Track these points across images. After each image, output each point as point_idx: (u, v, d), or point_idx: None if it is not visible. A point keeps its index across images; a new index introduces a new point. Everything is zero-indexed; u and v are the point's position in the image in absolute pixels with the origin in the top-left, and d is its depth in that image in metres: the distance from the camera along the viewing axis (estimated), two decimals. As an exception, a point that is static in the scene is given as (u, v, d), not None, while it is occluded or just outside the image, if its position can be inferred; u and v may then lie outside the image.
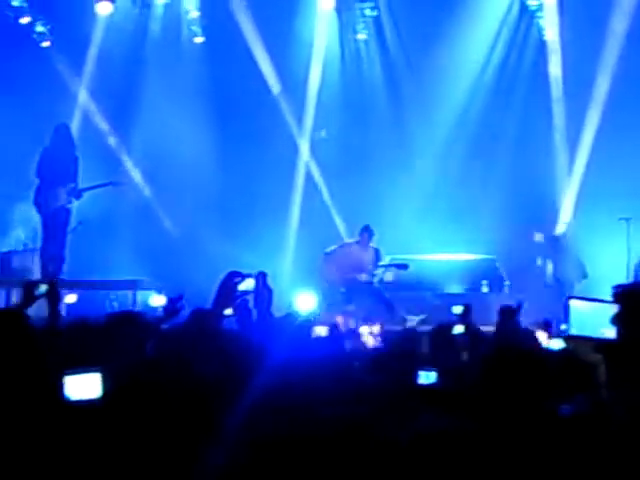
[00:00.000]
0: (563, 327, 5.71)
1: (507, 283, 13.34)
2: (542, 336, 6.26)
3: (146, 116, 15.05)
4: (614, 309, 4.17)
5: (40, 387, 3.15)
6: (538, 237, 13.97)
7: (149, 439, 2.83)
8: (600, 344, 4.04)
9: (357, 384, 4.28)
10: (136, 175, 15.14)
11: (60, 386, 3.01)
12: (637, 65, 13.74)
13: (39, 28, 15.08)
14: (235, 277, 6.13)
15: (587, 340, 4.25)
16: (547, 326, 6.75)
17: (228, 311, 6.10)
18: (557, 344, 5.48)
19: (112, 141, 15.29)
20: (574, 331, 3.96)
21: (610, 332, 4.14)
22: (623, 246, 12.41)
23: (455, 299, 12.50)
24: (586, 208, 13.98)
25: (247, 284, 6.40)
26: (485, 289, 13.20)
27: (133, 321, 5.28)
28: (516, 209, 13.76)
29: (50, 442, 2.65)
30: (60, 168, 11.68)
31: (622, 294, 4.39)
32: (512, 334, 6.35)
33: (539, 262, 14.10)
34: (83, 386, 2.95)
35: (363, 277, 12.44)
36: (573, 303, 4.00)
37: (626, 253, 12.28)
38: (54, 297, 5.50)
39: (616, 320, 4.20)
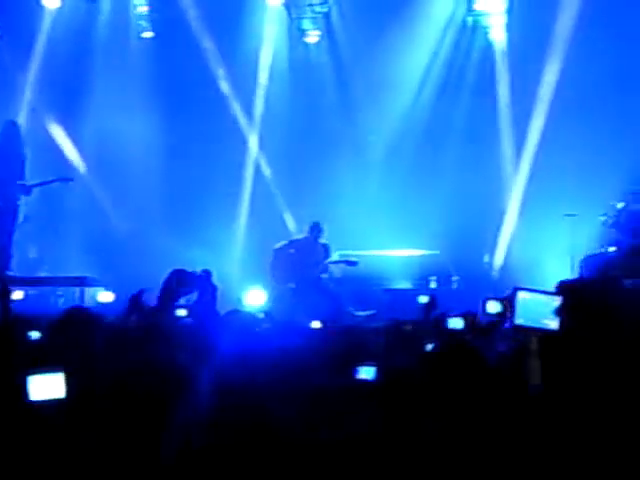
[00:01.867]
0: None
1: (455, 278, 13.46)
2: (459, 323, 6.36)
3: (94, 111, 14.95)
4: (558, 301, 4.28)
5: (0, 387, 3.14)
6: (486, 258, 14.19)
7: (108, 436, 2.84)
8: (543, 334, 4.13)
9: (301, 380, 4.31)
10: (83, 171, 15.04)
11: (22, 386, 3.00)
12: (583, 64, 13.91)
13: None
14: (177, 275, 6.10)
15: (532, 330, 4.34)
16: (470, 316, 6.82)
17: (181, 312, 6.09)
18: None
19: (60, 137, 15.17)
20: (520, 321, 4.06)
21: (553, 323, 4.24)
22: (568, 243, 12.57)
23: (403, 295, 12.64)
24: (532, 205, 14.14)
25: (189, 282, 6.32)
26: (433, 285, 13.31)
27: (84, 317, 5.26)
28: (464, 205, 13.86)
29: (14, 443, 2.64)
30: (7, 165, 11.58)
31: (567, 287, 4.53)
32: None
33: (486, 258, 14.26)
34: (47, 386, 2.94)
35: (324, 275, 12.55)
36: (520, 294, 4.10)
37: (571, 250, 12.44)
38: (5, 295, 5.47)
39: (559, 311, 4.32)
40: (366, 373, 4.31)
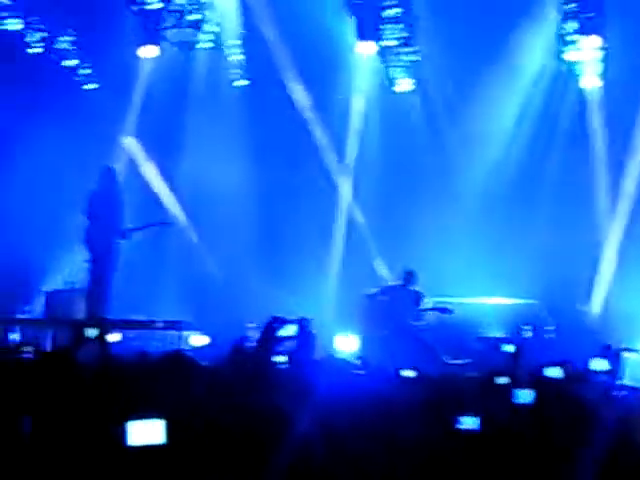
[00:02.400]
0: None
1: (551, 328, 13.24)
2: (557, 372, 6.21)
3: (189, 158, 15.21)
4: None
5: (96, 432, 3.19)
6: (583, 307, 13.97)
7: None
8: None
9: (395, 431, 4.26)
10: (181, 216, 15.30)
11: (122, 432, 3.04)
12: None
13: (84, 71, 15.36)
14: (275, 322, 6.15)
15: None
16: (567, 365, 6.68)
17: (281, 358, 6.10)
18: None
19: (157, 183, 15.47)
20: (627, 382, 3.95)
21: None
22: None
23: (497, 343, 12.45)
24: (630, 252, 13.88)
25: (289, 330, 6.39)
26: (528, 334, 13.10)
27: (183, 360, 5.32)
28: (560, 254, 13.68)
29: None
30: (108, 210, 11.83)
31: None
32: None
33: (583, 307, 14.02)
34: (147, 432, 2.97)
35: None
36: (626, 355, 3.99)
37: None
38: (104, 340, 5.56)
39: None
40: (470, 423, 4.24)
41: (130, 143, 15.52)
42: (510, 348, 6.92)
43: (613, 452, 3.32)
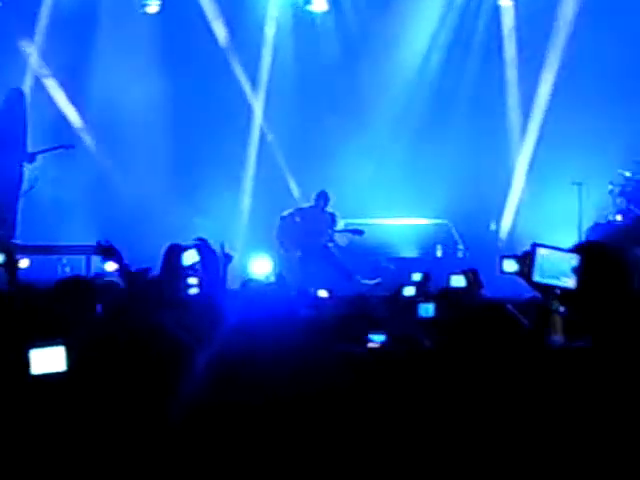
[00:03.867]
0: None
1: (461, 247, 13.44)
2: (461, 281, 6.28)
3: (99, 78, 14.89)
4: (576, 259, 4.26)
5: (3, 360, 3.11)
6: (493, 226, 14.13)
7: (112, 404, 2.80)
8: (563, 292, 4.13)
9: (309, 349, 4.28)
10: (89, 139, 15.01)
11: (24, 360, 2.97)
12: (592, 27, 13.82)
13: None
14: (175, 249, 5.99)
15: (550, 287, 4.34)
16: (470, 273, 6.75)
17: (192, 280, 5.99)
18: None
19: (64, 105, 15.13)
20: (537, 278, 4.03)
21: (571, 281, 4.22)
22: (575, 211, 12.53)
23: (410, 263, 12.63)
24: (539, 173, 14.10)
25: (191, 256, 6.18)
26: (439, 253, 13.30)
27: (83, 286, 5.23)
28: (471, 173, 13.81)
29: (17, 418, 2.59)
30: (10, 133, 11.55)
31: (586, 246, 4.55)
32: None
33: (493, 227, 14.23)
34: (48, 360, 2.90)
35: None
36: (539, 250, 4.05)
37: (578, 218, 12.40)
38: (12, 265, 5.44)
39: (578, 270, 4.32)
40: (378, 339, 4.30)
41: (37, 64, 15.09)
42: (416, 277, 6.96)
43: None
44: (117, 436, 2.50)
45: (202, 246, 6.10)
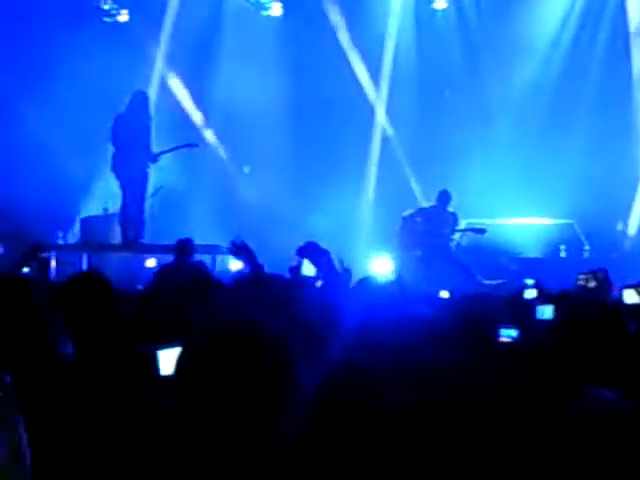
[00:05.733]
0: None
1: (587, 248, 13.15)
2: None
3: (223, 81, 15.15)
4: None
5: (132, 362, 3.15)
6: (620, 226, 13.79)
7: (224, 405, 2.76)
8: None
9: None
10: (212, 139, 15.29)
11: (153, 360, 2.99)
12: None
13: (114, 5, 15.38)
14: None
15: None
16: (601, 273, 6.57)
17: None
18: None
19: (189, 106, 15.46)
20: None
21: None
22: None
23: (533, 264, 12.42)
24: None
25: (307, 269, 6.10)
26: (563, 254, 13.04)
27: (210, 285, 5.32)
28: (596, 172, 13.51)
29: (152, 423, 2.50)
30: (135, 134, 11.85)
31: None
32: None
33: (620, 227, 13.88)
34: (173, 361, 2.84)
35: None
36: (626, 294, 3.91)
37: None
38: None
39: None
40: (507, 335, 4.26)
41: (162, 69, 15.47)
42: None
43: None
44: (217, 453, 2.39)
45: (313, 250, 6.03)
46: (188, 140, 12.91)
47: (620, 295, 5.77)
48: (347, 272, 6.38)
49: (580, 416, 2.11)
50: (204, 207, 14.36)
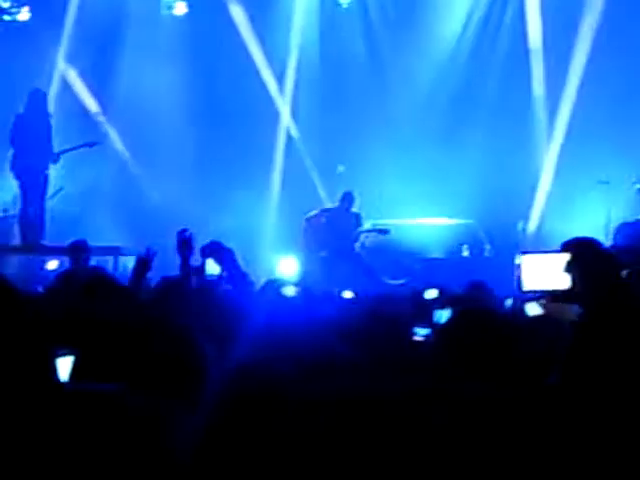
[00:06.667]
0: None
1: (488, 247, 13.39)
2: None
3: (125, 79, 14.98)
4: (565, 259, 4.23)
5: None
6: (520, 225, 14.04)
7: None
8: (556, 295, 4.10)
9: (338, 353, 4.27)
10: (115, 138, 15.10)
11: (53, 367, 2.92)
12: (617, 30, 13.74)
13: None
14: (183, 233, 5.86)
15: (541, 293, 4.33)
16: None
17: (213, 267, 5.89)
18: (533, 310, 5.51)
19: (91, 105, 15.24)
20: (526, 286, 4.01)
21: (562, 283, 4.17)
22: (603, 210, 12.46)
23: (436, 264, 12.60)
24: (566, 172, 14.03)
25: (211, 266, 6.02)
26: (466, 253, 13.25)
27: (108, 284, 5.23)
28: (497, 173, 13.76)
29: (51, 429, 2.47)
30: (34, 134, 11.64)
31: (572, 243, 4.53)
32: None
33: (520, 226, 14.15)
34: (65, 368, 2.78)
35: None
36: (525, 258, 4.03)
37: (606, 217, 12.32)
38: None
39: (568, 268, 4.31)
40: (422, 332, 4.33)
41: (63, 68, 15.22)
42: (432, 293, 6.87)
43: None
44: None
45: (217, 249, 6.01)
46: (89, 139, 12.72)
47: (523, 309, 5.89)
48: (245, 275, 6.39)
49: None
50: (106, 208, 14.16)
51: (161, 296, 5.10)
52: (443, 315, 5.06)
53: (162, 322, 3.21)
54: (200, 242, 6.51)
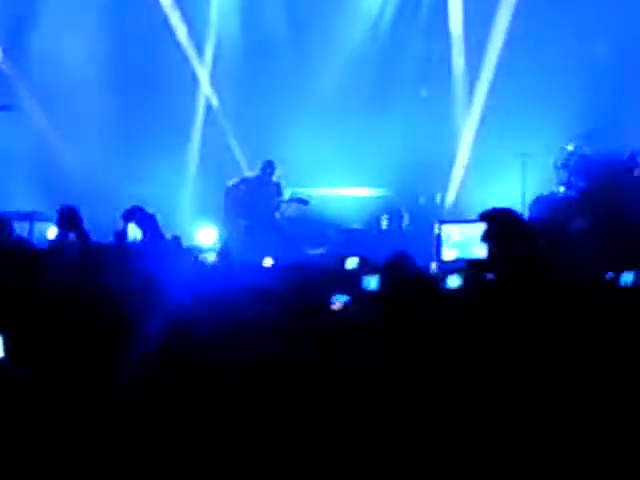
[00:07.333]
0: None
1: (406, 219, 13.51)
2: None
3: (42, 40, 14.67)
4: (482, 228, 4.30)
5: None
6: (439, 198, 14.15)
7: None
8: (473, 264, 4.18)
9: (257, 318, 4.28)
10: (31, 102, 14.79)
11: None
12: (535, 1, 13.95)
13: None
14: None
15: (459, 262, 4.40)
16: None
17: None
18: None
19: (6, 67, 14.89)
20: (446, 256, 4.09)
21: (478, 250, 4.25)
22: (519, 183, 12.66)
23: (355, 234, 12.68)
24: (484, 145, 14.20)
25: (133, 231, 6.05)
26: (384, 225, 13.35)
27: (29, 252, 5.18)
28: (416, 145, 13.85)
29: None
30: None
31: (489, 213, 4.62)
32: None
33: (438, 199, 14.30)
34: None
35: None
36: (444, 228, 4.11)
37: (522, 190, 12.53)
38: None
39: (486, 237, 4.40)
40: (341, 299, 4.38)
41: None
42: (352, 262, 6.94)
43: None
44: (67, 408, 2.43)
45: (138, 214, 6.00)
46: (3, 103, 12.44)
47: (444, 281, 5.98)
48: (177, 240, 6.37)
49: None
50: (21, 173, 13.89)
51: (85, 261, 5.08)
52: (371, 281, 5.12)
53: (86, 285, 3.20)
54: (119, 209, 6.47)
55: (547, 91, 13.46)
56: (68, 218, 5.53)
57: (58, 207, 5.73)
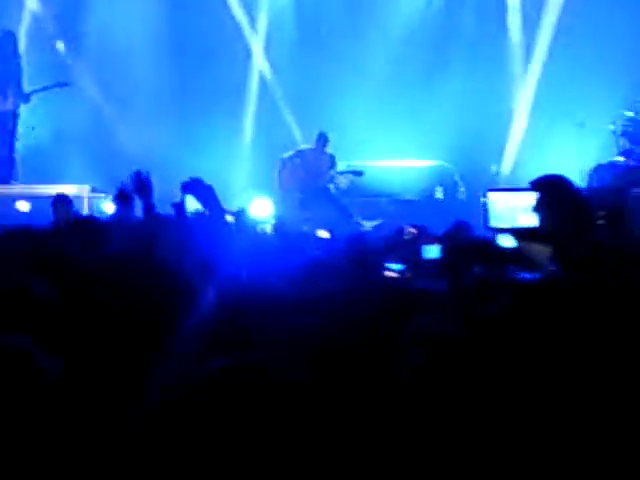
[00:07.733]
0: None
1: (462, 189, 13.39)
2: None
3: (97, 15, 14.76)
4: (533, 197, 4.20)
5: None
6: (494, 168, 14.01)
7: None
8: (522, 233, 4.09)
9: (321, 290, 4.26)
10: (87, 78, 14.90)
11: None
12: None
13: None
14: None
15: (508, 230, 4.32)
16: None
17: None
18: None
19: (61, 45, 15.00)
20: (493, 223, 4.00)
21: (527, 219, 4.17)
22: (577, 152, 12.47)
23: (410, 205, 12.60)
24: (541, 114, 14.01)
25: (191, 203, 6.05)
26: (439, 195, 13.25)
27: (87, 225, 5.24)
28: (472, 114, 13.70)
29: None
30: (4, 74, 11.50)
31: (541, 181, 4.49)
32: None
33: (494, 168, 14.15)
34: None
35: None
36: (491, 196, 4.02)
37: (580, 159, 12.34)
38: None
39: (537, 207, 4.29)
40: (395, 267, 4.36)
41: (33, 7, 14.96)
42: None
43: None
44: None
45: (197, 185, 5.98)
46: (61, 79, 12.55)
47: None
48: (242, 212, 6.37)
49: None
50: (77, 149, 14.02)
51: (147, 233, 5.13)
52: (432, 250, 5.07)
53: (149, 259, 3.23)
54: (175, 181, 6.45)
55: (604, 58, 13.23)
56: (142, 184, 5.58)
57: (132, 173, 5.78)
